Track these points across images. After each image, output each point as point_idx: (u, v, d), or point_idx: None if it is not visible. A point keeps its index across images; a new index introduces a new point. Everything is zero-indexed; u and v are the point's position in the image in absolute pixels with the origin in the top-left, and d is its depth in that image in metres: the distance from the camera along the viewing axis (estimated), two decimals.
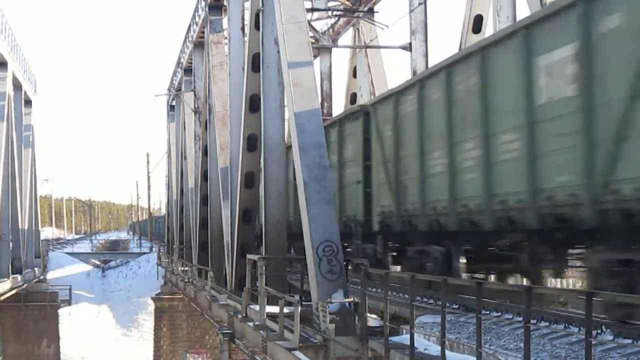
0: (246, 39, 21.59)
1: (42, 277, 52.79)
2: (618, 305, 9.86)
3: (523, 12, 19.69)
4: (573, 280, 15.78)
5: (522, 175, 12.04)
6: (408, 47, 25.95)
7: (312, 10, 29.83)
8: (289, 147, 20.16)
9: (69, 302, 57.76)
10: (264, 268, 17.20)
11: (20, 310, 49.57)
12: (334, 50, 34.08)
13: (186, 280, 34.74)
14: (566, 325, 10.89)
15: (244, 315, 18.97)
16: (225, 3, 27.20)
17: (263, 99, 19.15)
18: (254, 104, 20.42)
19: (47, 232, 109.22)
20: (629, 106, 9.89)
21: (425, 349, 11.12)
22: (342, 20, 32.46)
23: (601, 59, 10.41)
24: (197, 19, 33.37)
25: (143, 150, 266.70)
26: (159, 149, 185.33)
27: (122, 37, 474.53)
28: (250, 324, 17.86)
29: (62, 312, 55.56)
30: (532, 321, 9.04)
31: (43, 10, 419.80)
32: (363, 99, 30.74)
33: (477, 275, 14.81)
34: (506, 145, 12.68)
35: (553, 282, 15.10)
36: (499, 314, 12.72)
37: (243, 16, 23.99)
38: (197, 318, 43.43)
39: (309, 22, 25.73)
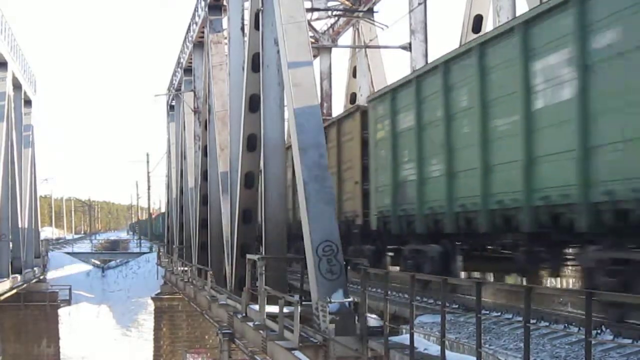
0: (246, 39, 21.59)
1: (41, 277, 52.73)
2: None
3: (523, 11, 19.65)
4: None
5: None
6: (408, 47, 25.95)
7: (312, 10, 29.84)
8: (288, 147, 20.25)
9: (68, 302, 57.65)
10: (263, 268, 17.20)
11: (20, 310, 49.52)
12: (333, 50, 34.11)
13: (186, 280, 34.72)
14: (566, 325, 10.89)
15: (244, 315, 18.97)
16: (225, 3, 27.20)
17: (263, 99, 19.14)
18: (253, 104, 20.41)
19: (47, 232, 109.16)
20: None
21: (425, 349, 11.12)
22: (341, 20, 32.46)
23: None
24: (196, 19, 33.37)
25: (143, 150, 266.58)
26: (159, 149, 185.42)
27: (121, 37, 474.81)
28: (250, 323, 17.85)
29: (62, 312, 55.51)
30: (531, 321, 9.03)
31: (43, 11, 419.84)
32: (363, 99, 30.76)
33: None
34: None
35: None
36: (499, 313, 12.72)
37: (243, 16, 23.99)
38: (197, 318, 43.42)
39: (308, 22, 25.72)
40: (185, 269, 36.37)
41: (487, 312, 12.67)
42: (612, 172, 10.19)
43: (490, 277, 15.86)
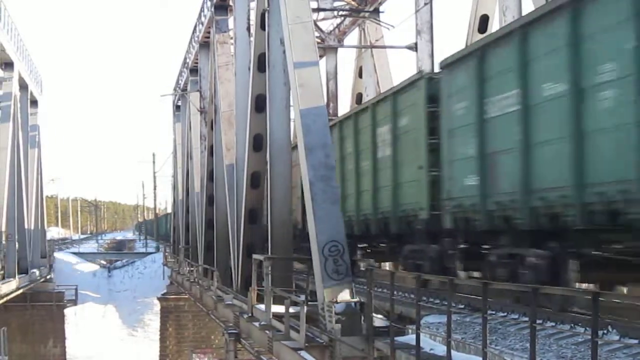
0: (252, 39, 21.61)
1: (48, 277, 52.83)
2: None
3: (528, 11, 19.59)
4: None
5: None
6: (414, 47, 25.96)
7: (318, 10, 29.86)
8: (294, 148, 20.33)
9: (75, 302, 57.71)
10: (269, 268, 17.20)
11: (27, 310, 49.61)
12: (339, 50, 34.10)
13: (192, 281, 34.77)
14: (572, 325, 10.87)
15: (250, 315, 18.98)
16: (231, 3, 27.23)
17: (269, 99, 19.16)
18: (259, 104, 20.43)
19: (53, 232, 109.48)
20: None
21: (431, 349, 11.12)
22: (347, 20, 32.47)
23: None
24: (202, 19, 33.41)
25: (149, 150, 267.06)
26: (165, 149, 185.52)
27: (128, 37, 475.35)
28: (256, 323, 17.87)
29: (68, 312, 55.61)
30: (538, 321, 9.02)
31: (49, 11, 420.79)
32: (369, 99, 30.78)
33: None
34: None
35: None
36: (505, 314, 12.71)
37: (249, 16, 23.99)
38: (203, 318, 43.47)
39: (314, 22, 25.74)
40: (191, 269, 36.42)
41: (494, 312, 12.66)
42: (407, 198, 17.34)
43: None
